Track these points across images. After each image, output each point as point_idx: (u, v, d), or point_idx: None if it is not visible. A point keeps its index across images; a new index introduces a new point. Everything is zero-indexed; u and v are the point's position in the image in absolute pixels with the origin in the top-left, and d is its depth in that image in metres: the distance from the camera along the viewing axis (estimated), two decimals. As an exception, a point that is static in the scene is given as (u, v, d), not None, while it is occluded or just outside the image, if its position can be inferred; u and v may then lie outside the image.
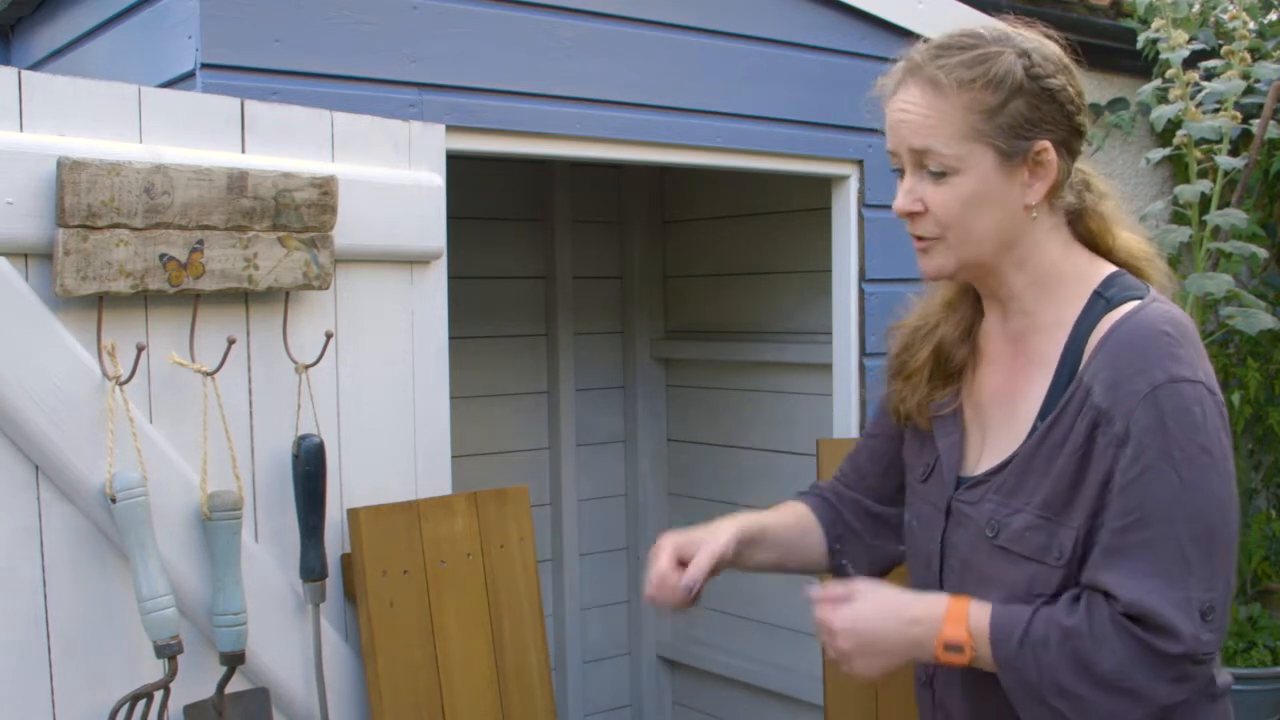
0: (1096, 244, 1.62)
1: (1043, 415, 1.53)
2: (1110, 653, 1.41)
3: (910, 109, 1.52)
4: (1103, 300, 1.53)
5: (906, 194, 1.54)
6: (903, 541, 1.79)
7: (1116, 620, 1.41)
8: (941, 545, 1.63)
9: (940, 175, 1.51)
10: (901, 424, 1.77)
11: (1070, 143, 1.54)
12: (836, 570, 1.84)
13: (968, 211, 1.51)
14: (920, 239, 1.57)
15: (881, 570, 1.84)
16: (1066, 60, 1.56)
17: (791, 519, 1.87)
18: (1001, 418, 1.61)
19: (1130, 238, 1.64)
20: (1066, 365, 1.53)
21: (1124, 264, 1.61)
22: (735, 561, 1.77)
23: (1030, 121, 1.51)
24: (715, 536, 1.74)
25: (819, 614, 1.58)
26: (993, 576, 1.55)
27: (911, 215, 1.54)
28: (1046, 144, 1.52)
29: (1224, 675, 1.58)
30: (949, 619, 1.52)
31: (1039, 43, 1.55)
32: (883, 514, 1.83)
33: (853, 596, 1.58)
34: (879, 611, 1.58)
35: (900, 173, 1.57)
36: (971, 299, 1.69)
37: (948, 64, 1.51)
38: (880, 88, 1.61)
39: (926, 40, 1.59)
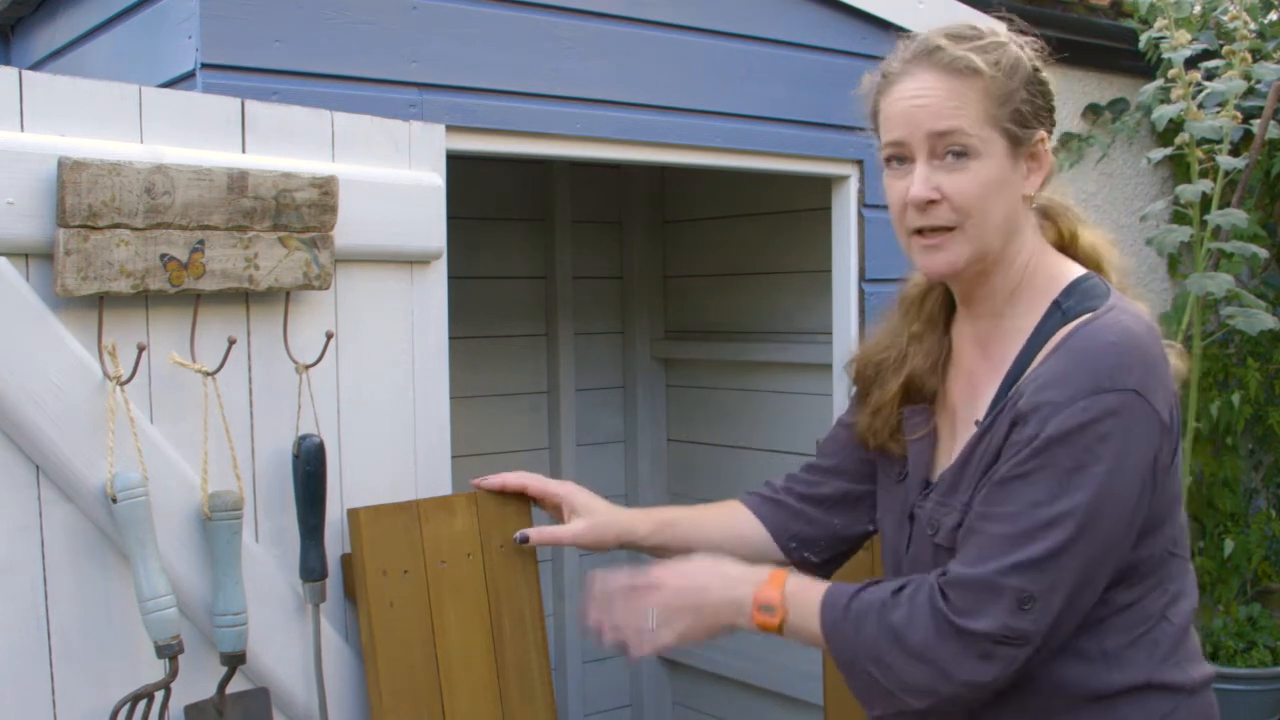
0: (1060, 239, 1.63)
1: (984, 419, 1.54)
2: (919, 626, 1.45)
3: (928, 93, 1.51)
4: (1059, 311, 1.54)
5: (923, 182, 1.50)
6: (874, 518, 1.82)
7: (932, 595, 1.45)
8: (907, 547, 1.65)
9: (959, 160, 1.50)
10: (873, 450, 1.77)
11: (1050, 137, 1.58)
12: (801, 565, 1.89)
13: (987, 197, 1.51)
14: (932, 232, 1.53)
15: (850, 549, 1.89)
16: (1044, 57, 1.59)
17: (722, 512, 1.94)
18: (965, 422, 1.62)
19: (1090, 232, 1.66)
20: (1013, 373, 1.54)
21: (1086, 259, 1.62)
22: (642, 539, 1.90)
23: (1033, 111, 1.53)
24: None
25: (646, 579, 1.65)
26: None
27: (928, 204, 1.51)
28: (1044, 134, 1.55)
29: (1204, 668, 1.58)
30: (769, 581, 1.59)
31: (1024, 38, 1.58)
32: (855, 491, 1.85)
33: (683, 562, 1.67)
34: (706, 570, 1.66)
35: (895, 163, 1.56)
36: (939, 329, 1.69)
37: (964, 49, 1.51)
38: (873, 82, 1.59)
39: (919, 33, 1.58)
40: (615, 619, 1.66)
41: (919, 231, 1.54)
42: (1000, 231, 1.53)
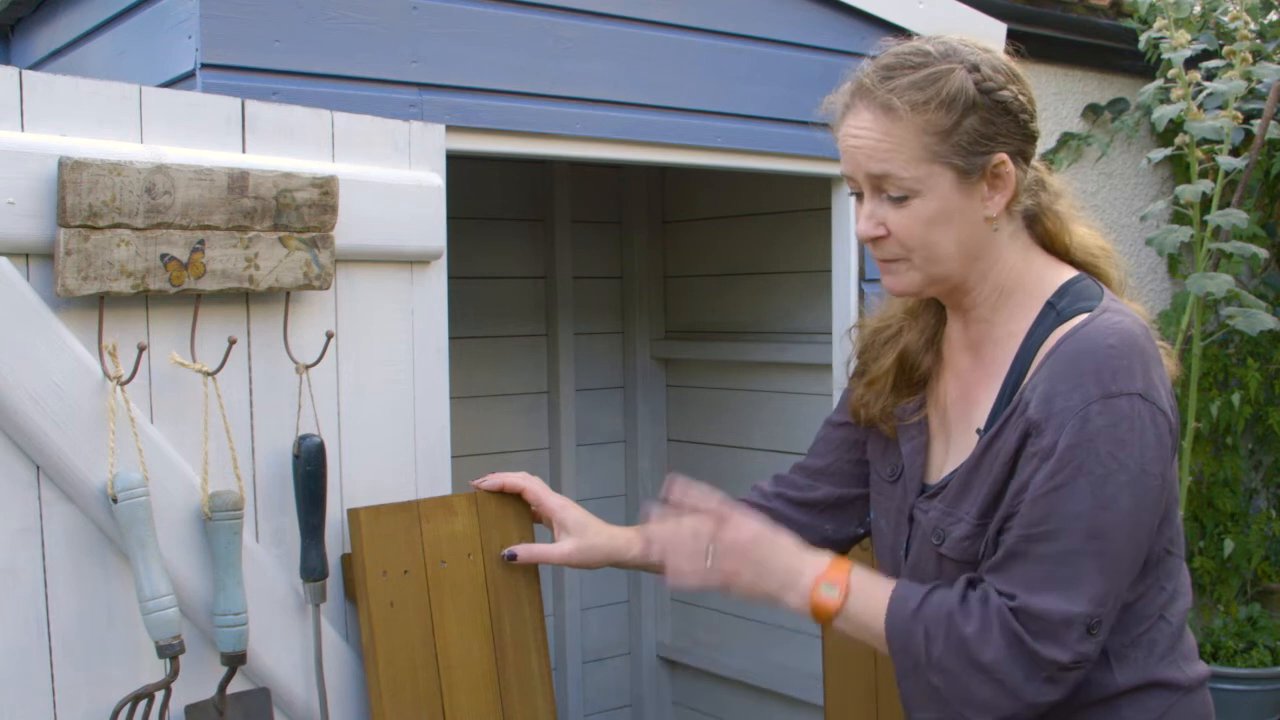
0: (1054, 244, 1.61)
1: (988, 427, 1.54)
2: (992, 644, 1.44)
3: (863, 134, 1.50)
4: (1054, 312, 1.53)
5: (868, 219, 1.53)
6: (864, 520, 1.81)
7: (1004, 615, 1.44)
8: (906, 549, 1.64)
9: (901, 199, 1.50)
10: (863, 427, 1.77)
11: (1025, 151, 1.54)
12: None
13: (931, 232, 1.51)
14: (886, 260, 1.56)
15: (841, 553, 1.88)
16: (1015, 68, 1.54)
17: None
18: (960, 426, 1.62)
19: (1086, 234, 1.63)
20: (1012, 378, 1.53)
21: (1081, 262, 1.61)
22: (635, 559, 1.90)
23: (985, 136, 1.49)
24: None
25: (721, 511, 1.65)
26: (941, 581, 1.57)
27: (875, 239, 1.54)
28: (1003, 156, 1.50)
29: (1200, 667, 1.59)
30: (833, 563, 1.58)
31: (987, 54, 1.52)
32: (846, 495, 1.85)
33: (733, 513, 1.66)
34: (772, 534, 1.64)
35: (858, 196, 1.57)
36: (934, 305, 1.69)
37: (898, 86, 1.48)
38: (828, 108, 1.59)
39: (873, 57, 1.55)
40: (675, 540, 1.67)
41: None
42: (956, 258, 1.53)
